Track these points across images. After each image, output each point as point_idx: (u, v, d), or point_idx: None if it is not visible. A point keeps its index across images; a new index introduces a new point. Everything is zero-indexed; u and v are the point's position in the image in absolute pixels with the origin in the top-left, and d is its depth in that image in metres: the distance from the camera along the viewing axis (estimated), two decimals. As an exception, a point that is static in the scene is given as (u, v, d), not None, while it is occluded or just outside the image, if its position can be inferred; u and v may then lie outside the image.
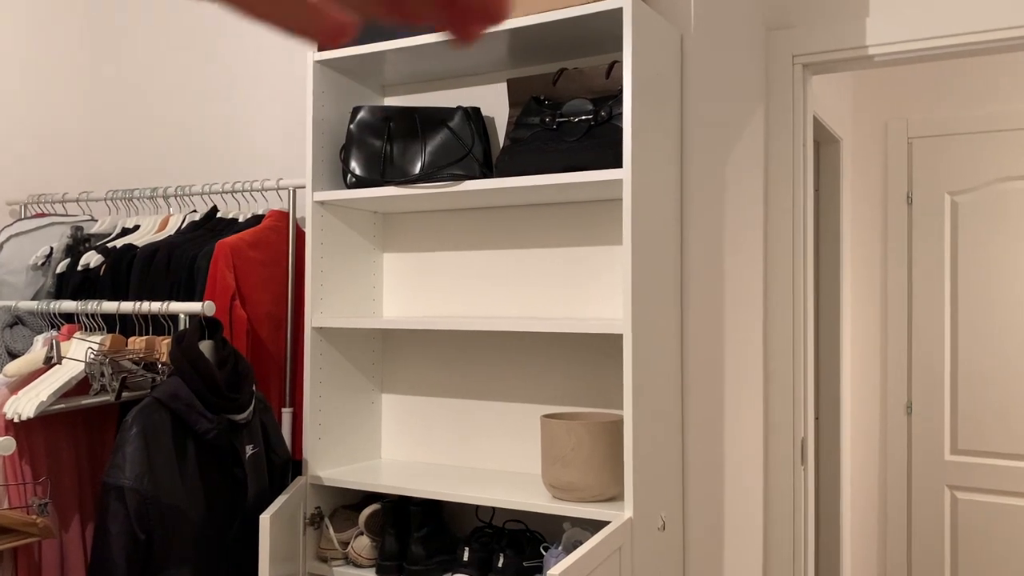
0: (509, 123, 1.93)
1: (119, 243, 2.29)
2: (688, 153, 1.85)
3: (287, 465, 2.00)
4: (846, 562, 3.13)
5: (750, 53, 2.13)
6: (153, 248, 2.19)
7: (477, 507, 2.03)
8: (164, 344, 1.94)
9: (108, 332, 2.03)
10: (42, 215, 2.59)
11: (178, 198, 2.43)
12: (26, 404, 1.77)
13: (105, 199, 2.54)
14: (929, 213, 3.40)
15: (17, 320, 2.17)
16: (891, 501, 3.45)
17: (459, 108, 1.93)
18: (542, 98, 1.85)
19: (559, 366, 1.98)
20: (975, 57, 2.97)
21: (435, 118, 1.94)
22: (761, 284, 2.17)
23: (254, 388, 1.88)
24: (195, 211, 2.38)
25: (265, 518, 1.77)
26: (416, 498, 1.94)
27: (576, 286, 1.97)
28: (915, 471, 3.42)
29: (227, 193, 2.34)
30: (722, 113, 1.98)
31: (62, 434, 1.92)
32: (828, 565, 3.06)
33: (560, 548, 1.72)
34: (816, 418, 3.05)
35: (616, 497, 1.72)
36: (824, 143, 3.09)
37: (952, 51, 2.08)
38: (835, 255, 3.06)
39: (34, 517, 1.73)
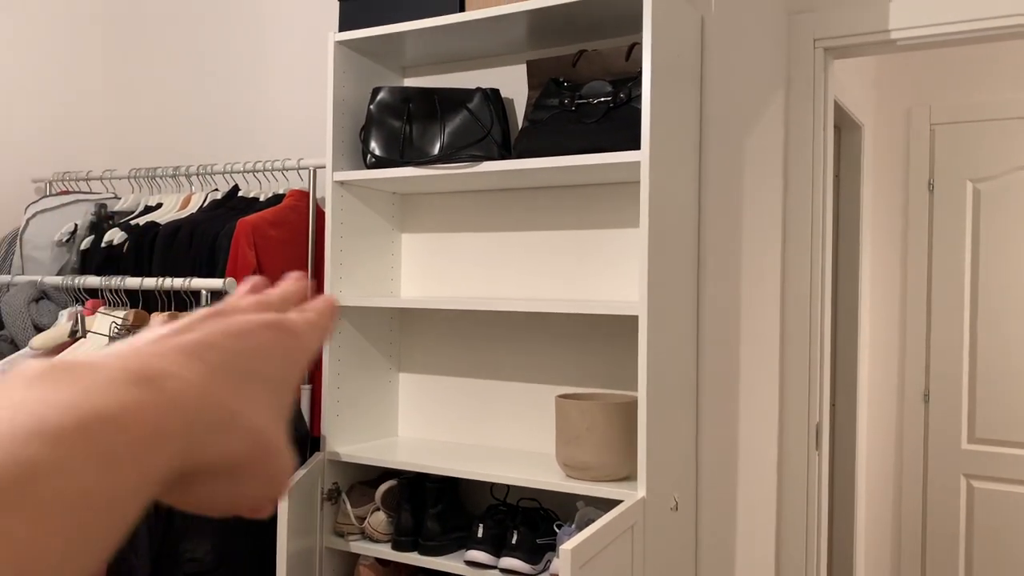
0: (528, 104, 1.94)
1: (142, 220, 2.32)
2: (707, 136, 1.85)
3: (305, 441, 2.03)
4: (860, 549, 3.13)
5: (771, 36, 2.12)
6: (176, 226, 2.22)
7: (492, 485, 2.05)
8: (186, 320, 1.97)
9: (131, 307, 2.07)
10: (66, 192, 2.62)
11: (200, 177, 2.45)
12: (51, 376, 1.81)
13: (128, 177, 2.57)
14: (951, 200, 3.38)
15: (43, 295, 2.21)
16: (907, 489, 3.44)
17: (478, 89, 1.94)
18: (561, 80, 1.85)
19: (575, 347, 2.00)
20: (999, 42, 2.94)
21: (454, 99, 1.95)
22: (779, 269, 2.17)
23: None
24: (216, 190, 2.40)
25: (283, 492, 1.80)
26: (432, 475, 1.96)
27: (593, 268, 1.98)
28: (931, 459, 3.41)
29: (248, 172, 2.36)
30: (742, 96, 1.97)
31: (86, 407, 1.96)
32: (842, 552, 3.07)
33: (573, 526, 1.74)
34: (832, 404, 3.05)
35: (629, 477, 1.73)
36: (846, 129, 3.07)
37: (976, 36, 2.06)
38: (855, 241, 3.04)
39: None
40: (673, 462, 1.73)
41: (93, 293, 2.18)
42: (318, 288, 2.25)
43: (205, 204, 2.34)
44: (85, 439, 0.24)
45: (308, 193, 2.26)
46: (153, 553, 1.69)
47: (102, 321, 1.97)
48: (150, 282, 2.07)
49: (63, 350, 1.92)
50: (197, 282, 2.01)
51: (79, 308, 2.09)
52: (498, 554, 1.80)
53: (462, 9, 1.91)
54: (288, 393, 0.34)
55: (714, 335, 1.87)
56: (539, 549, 1.79)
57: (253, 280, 0.40)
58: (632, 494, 1.60)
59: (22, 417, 0.24)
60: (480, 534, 1.81)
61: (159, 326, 0.33)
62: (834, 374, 3.06)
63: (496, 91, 1.96)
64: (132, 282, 2.09)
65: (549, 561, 1.79)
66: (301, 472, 1.89)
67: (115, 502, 0.25)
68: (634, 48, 1.80)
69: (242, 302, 0.37)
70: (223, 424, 0.30)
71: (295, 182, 2.46)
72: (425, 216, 2.21)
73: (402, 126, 1.96)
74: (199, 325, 0.33)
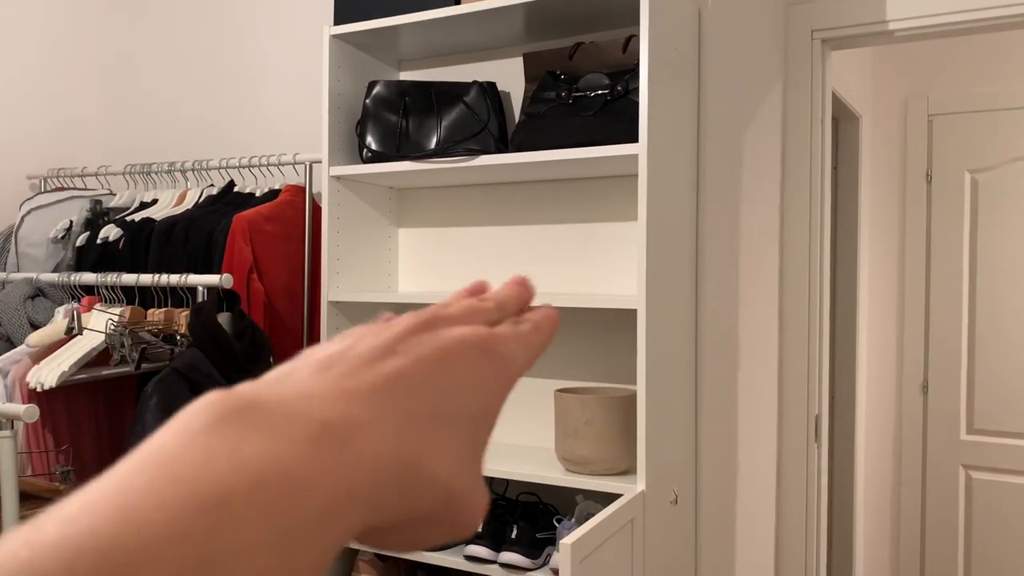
0: (525, 98, 1.93)
1: (138, 217, 2.31)
2: (705, 129, 1.84)
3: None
4: (859, 540, 3.14)
5: (768, 28, 2.11)
6: (171, 222, 2.21)
7: (491, 479, 2.05)
8: (183, 316, 1.96)
9: (127, 304, 2.06)
10: (62, 189, 2.61)
11: (195, 172, 2.44)
12: (48, 374, 1.80)
13: (124, 173, 2.56)
14: (948, 191, 3.37)
15: (39, 292, 2.20)
16: (906, 480, 3.45)
17: (475, 83, 1.93)
18: (558, 72, 1.84)
19: (573, 341, 1.99)
20: (997, 32, 2.93)
21: (451, 93, 1.94)
22: (777, 260, 2.16)
23: (271, 360, 1.90)
24: (212, 185, 2.39)
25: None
26: (431, 470, 1.96)
27: (591, 262, 1.98)
28: (930, 450, 3.42)
29: (244, 168, 2.35)
30: (740, 88, 1.96)
31: (83, 403, 1.95)
32: (841, 543, 3.07)
33: (573, 520, 1.74)
34: (831, 396, 3.05)
35: (629, 471, 1.73)
36: (843, 120, 3.06)
37: (974, 26, 2.05)
38: (853, 233, 3.04)
39: (57, 484, 1.76)
40: (672, 456, 1.72)
41: (89, 290, 2.17)
42: (315, 284, 2.24)
43: (201, 200, 2.33)
44: (264, 511, 0.21)
45: (304, 188, 2.25)
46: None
47: (98, 318, 1.96)
48: (146, 278, 2.06)
49: (59, 347, 1.91)
50: (193, 278, 2.00)
51: (75, 305, 2.08)
52: (498, 548, 1.80)
53: (458, 2, 1.90)
54: (487, 429, 0.31)
55: (713, 328, 1.86)
56: (539, 543, 1.79)
57: (475, 282, 0.37)
58: (632, 488, 1.60)
59: (196, 484, 0.21)
60: (479, 529, 1.81)
61: (362, 333, 0.30)
62: (833, 366, 3.06)
63: (493, 84, 1.96)
64: (128, 279, 2.08)
65: (549, 555, 1.79)
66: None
67: None
68: (631, 40, 1.79)
69: (453, 308, 0.33)
70: (414, 483, 0.27)
71: (291, 177, 2.45)
72: (422, 210, 2.21)
73: (398, 120, 1.95)
74: (403, 344, 0.30)
